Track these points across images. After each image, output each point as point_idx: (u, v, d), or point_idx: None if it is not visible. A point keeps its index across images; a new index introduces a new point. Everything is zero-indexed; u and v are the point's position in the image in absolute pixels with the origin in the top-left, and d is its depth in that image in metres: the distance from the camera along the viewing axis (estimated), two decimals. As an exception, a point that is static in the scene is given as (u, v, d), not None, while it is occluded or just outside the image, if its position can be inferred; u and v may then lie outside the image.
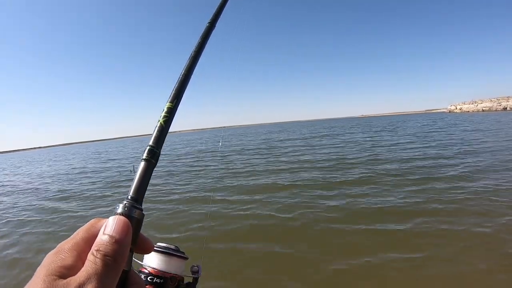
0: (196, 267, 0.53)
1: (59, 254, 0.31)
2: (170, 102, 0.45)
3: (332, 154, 13.00)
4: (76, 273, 0.29)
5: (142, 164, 0.38)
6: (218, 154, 16.66)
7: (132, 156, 24.81)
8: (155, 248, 0.49)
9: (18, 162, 38.20)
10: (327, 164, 10.35)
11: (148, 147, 0.40)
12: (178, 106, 0.45)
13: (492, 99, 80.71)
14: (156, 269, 0.48)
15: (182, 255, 0.52)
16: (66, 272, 0.29)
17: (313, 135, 29.78)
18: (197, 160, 15.46)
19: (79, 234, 0.33)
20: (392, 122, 46.30)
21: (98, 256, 0.30)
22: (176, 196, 7.41)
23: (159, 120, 0.42)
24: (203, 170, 11.66)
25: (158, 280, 0.47)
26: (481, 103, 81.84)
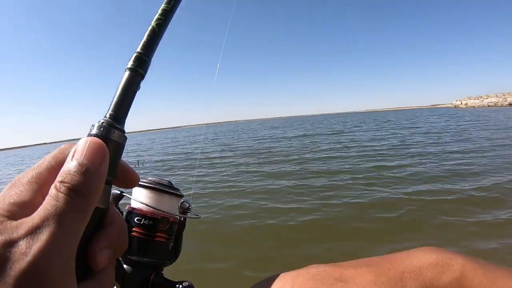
0: (186, 203, 0.46)
1: (14, 187, 0.23)
2: (166, 4, 0.34)
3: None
4: (33, 212, 0.21)
5: (126, 74, 0.30)
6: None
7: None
8: (143, 183, 0.42)
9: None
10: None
11: (134, 54, 0.31)
12: (176, 10, 0.34)
13: (498, 94, 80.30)
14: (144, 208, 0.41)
15: (175, 192, 0.44)
16: (19, 211, 0.21)
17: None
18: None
19: (45, 161, 0.25)
20: (413, 117, 41.30)
21: (62, 189, 0.22)
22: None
23: (151, 24, 0.33)
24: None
25: (146, 222, 0.40)
26: (487, 98, 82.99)
